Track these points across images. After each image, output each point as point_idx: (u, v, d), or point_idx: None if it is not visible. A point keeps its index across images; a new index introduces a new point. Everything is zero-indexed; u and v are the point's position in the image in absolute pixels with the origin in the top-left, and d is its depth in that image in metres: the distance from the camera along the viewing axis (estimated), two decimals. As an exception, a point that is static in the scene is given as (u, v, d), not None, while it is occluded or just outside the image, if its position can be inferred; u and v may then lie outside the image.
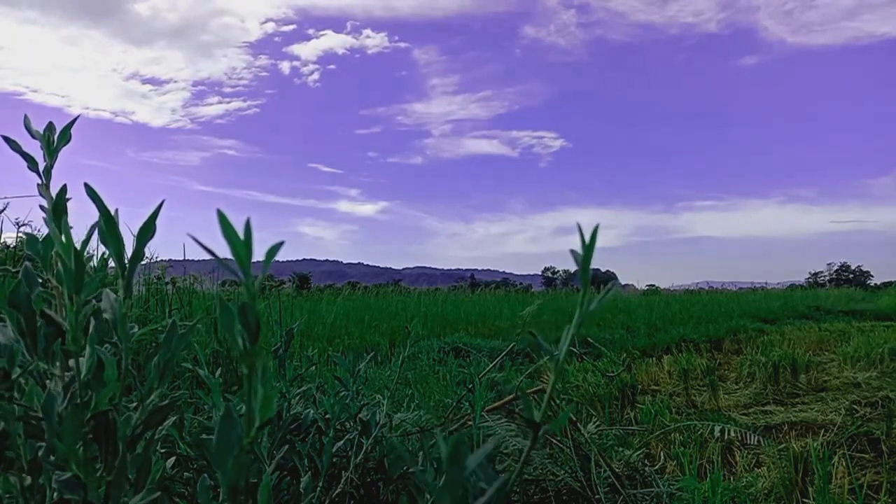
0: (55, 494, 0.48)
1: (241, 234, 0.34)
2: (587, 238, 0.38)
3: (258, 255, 0.36)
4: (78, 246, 0.53)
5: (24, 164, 0.64)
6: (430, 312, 7.20)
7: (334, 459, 1.02)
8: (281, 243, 0.34)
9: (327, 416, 1.04)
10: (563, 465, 1.43)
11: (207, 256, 0.36)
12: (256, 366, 0.35)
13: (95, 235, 0.58)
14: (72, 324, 0.51)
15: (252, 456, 0.73)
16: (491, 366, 1.78)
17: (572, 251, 0.38)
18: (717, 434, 2.26)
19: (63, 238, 0.51)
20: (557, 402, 1.62)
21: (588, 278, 0.38)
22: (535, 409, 0.37)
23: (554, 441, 1.51)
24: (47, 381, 0.56)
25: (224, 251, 0.35)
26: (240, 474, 0.36)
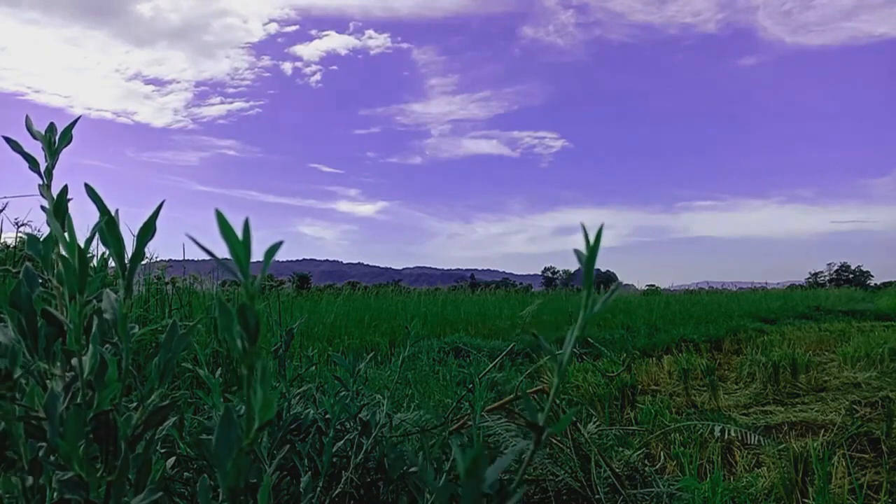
0: (56, 494, 0.49)
1: (240, 235, 0.34)
2: (591, 238, 0.37)
3: (257, 255, 0.35)
4: (81, 244, 0.53)
5: (24, 164, 0.64)
6: (430, 312, 7.20)
7: (334, 459, 1.02)
8: (280, 243, 0.34)
9: (327, 416, 1.04)
10: (563, 465, 1.43)
11: (207, 256, 0.36)
12: (256, 367, 0.35)
13: (95, 237, 0.58)
14: (75, 323, 0.51)
15: (252, 456, 0.74)
16: (491, 366, 1.78)
17: (576, 251, 0.37)
18: (717, 434, 2.25)
19: (67, 236, 0.51)
20: (559, 402, 1.62)
21: (592, 279, 0.37)
22: (537, 412, 0.37)
23: (554, 441, 1.51)
24: (48, 381, 0.56)
25: (223, 251, 0.35)
26: (239, 475, 0.35)
